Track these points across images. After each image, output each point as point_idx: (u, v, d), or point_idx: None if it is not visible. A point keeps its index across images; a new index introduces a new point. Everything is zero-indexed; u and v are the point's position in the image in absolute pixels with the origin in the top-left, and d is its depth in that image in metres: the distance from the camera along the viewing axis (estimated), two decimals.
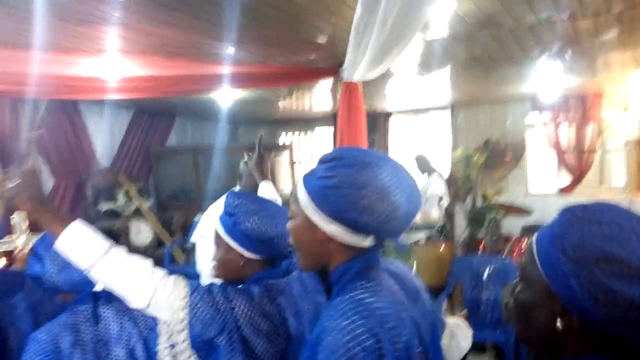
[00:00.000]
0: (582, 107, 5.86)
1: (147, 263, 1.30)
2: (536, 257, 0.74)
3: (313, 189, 1.02)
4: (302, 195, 1.04)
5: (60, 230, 1.22)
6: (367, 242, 1.01)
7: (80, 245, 1.23)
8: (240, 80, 3.55)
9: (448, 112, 6.78)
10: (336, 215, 0.99)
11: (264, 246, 1.38)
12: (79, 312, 1.48)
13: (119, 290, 1.27)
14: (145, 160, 6.98)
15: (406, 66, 4.28)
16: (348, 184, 0.96)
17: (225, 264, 1.44)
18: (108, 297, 1.49)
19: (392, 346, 0.85)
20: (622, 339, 0.67)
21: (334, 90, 5.28)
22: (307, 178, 1.06)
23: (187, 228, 6.29)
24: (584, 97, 5.81)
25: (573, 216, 0.73)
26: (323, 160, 1.04)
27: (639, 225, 0.69)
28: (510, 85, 5.28)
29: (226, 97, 5.61)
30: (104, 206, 6.13)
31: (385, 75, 4.55)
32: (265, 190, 2.20)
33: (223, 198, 2.98)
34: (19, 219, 4.98)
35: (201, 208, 6.65)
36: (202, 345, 1.25)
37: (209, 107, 6.24)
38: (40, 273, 1.51)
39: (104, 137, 6.40)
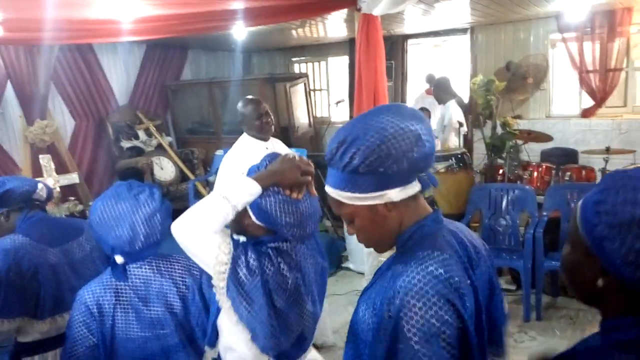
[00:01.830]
0: (609, 23, 5.59)
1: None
2: (578, 221, 0.79)
3: (347, 182, 1.03)
4: (341, 194, 1.05)
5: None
6: (417, 187, 1.05)
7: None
8: (254, 16, 3.45)
9: (467, 35, 6.53)
10: (382, 182, 1.01)
11: (271, 223, 1.41)
12: (118, 273, 1.58)
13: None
14: (162, 95, 6.98)
15: None
16: (368, 150, 0.98)
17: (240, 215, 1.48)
18: (139, 254, 1.59)
19: (463, 309, 0.92)
20: None
21: (349, 18, 5.10)
22: (332, 179, 1.06)
23: (209, 162, 6.41)
24: (613, 12, 5.52)
25: (612, 182, 0.77)
26: (331, 155, 1.04)
27: None
28: (534, 4, 5.03)
29: (239, 27, 5.48)
30: (126, 144, 6.24)
31: None
32: None
33: (242, 142, 2.99)
34: (46, 162, 5.13)
35: (220, 141, 6.74)
36: (236, 297, 1.35)
37: (222, 38, 6.11)
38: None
39: (119, 75, 6.39)
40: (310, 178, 1.44)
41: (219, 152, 6.15)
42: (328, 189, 1.08)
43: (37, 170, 5.09)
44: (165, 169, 6.29)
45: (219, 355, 1.54)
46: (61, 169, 5.41)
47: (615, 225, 0.72)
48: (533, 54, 6.07)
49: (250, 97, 3.05)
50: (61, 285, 2.02)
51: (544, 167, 4.56)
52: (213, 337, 1.52)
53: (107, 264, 1.96)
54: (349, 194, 1.04)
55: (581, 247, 0.79)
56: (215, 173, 6.06)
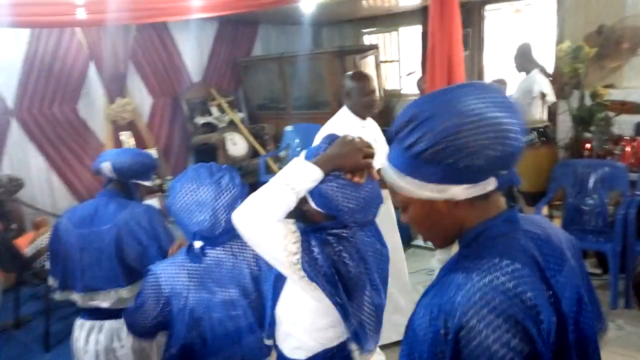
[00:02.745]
0: None
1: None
2: None
3: (406, 166, 0.91)
4: (397, 180, 0.93)
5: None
6: (490, 185, 0.89)
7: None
8: None
9: None
10: (447, 176, 0.87)
11: (332, 209, 1.34)
12: (193, 255, 1.59)
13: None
14: (234, 72, 7.09)
15: None
16: (440, 135, 0.85)
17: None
18: (218, 238, 1.59)
19: (536, 330, 0.79)
20: None
21: None
22: (391, 160, 0.94)
23: (279, 137, 6.47)
24: None
25: None
26: (398, 129, 0.91)
27: None
28: None
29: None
30: (200, 120, 6.43)
31: None
32: None
33: (341, 116, 2.91)
34: (127, 138, 5.39)
35: (290, 117, 6.76)
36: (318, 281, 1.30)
37: (291, 11, 6.05)
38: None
39: (192, 52, 6.54)
40: (372, 161, 1.35)
41: (288, 128, 6.19)
42: (386, 166, 0.96)
43: (119, 147, 5.37)
44: (237, 145, 6.42)
45: (274, 344, 1.52)
46: (141, 145, 5.67)
47: None
48: (631, 16, 5.47)
49: (360, 71, 2.99)
50: (90, 267, 2.07)
51: (638, 141, 4.14)
52: (272, 329, 1.49)
53: (123, 265, 2.03)
54: (407, 179, 0.91)
55: None
56: (286, 148, 6.15)
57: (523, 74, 5.21)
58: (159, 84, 6.20)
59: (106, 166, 2.12)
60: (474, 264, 0.86)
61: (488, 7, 6.81)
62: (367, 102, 2.86)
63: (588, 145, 4.28)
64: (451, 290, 0.84)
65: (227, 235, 1.60)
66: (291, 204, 1.29)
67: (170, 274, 1.58)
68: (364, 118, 2.91)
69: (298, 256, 1.27)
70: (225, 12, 3.78)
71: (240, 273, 1.61)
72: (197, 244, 1.60)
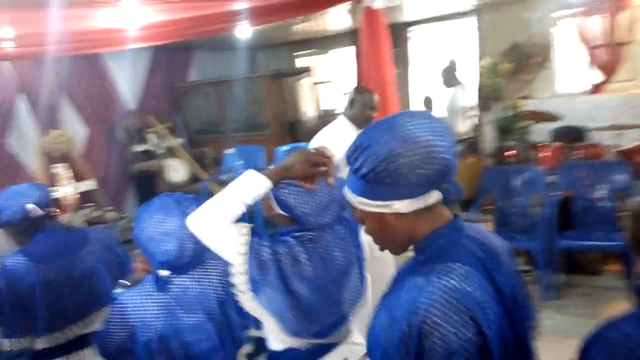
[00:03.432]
0: None
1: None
2: None
3: (357, 186, 1.06)
4: (352, 198, 1.08)
5: None
6: (431, 199, 1.02)
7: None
8: (257, 15, 3.50)
9: (471, 17, 6.49)
10: (390, 193, 1.01)
11: (292, 214, 1.52)
12: (160, 284, 1.64)
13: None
14: (171, 98, 7.07)
15: None
16: (378, 160, 0.99)
17: (263, 205, 1.59)
18: (184, 267, 1.66)
19: (486, 323, 0.92)
20: None
21: (353, 9, 5.12)
22: (347, 182, 1.10)
23: (220, 161, 6.50)
24: None
25: None
26: (348, 155, 1.07)
27: None
28: None
29: (244, 27, 5.53)
30: (138, 148, 6.34)
31: None
32: None
33: (338, 126, 3.02)
34: (62, 170, 5.23)
35: (231, 140, 6.81)
36: (256, 286, 1.43)
37: (226, 38, 6.16)
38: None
39: (127, 80, 6.47)
40: (324, 168, 1.50)
41: (230, 151, 6.24)
42: (344, 189, 1.13)
43: (52, 180, 5.20)
44: (177, 171, 6.38)
45: (257, 348, 1.63)
46: (77, 176, 5.51)
47: None
48: (538, 33, 6.03)
49: (364, 87, 3.16)
50: (60, 302, 2.04)
51: (554, 146, 4.56)
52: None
53: (117, 273, 2.06)
54: (358, 198, 1.06)
55: None
56: (228, 171, 6.18)
57: (450, 89, 5.58)
58: (93, 114, 6.08)
59: (32, 207, 2.02)
60: (431, 269, 0.97)
61: (412, 27, 7.24)
62: (368, 116, 3.02)
63: (510, 153, 4.66)
64: (413, 292, 0.95)
65: (193, 263, 1.66)
66: (239, 210, 1.43)
67: (137, 304, 1.61)
68: (360, 129, 3.07)
69: (244, 257, 1.41)
70: (161, 42, 3.83)
71: (206, 298, 1.65)
72: (164, 273, 1.64)
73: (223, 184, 6.37)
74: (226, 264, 1.49)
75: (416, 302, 0.93)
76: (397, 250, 1.12)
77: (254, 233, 1.46)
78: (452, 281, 0.94)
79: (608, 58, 5.69)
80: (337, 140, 2.69)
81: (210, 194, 5.89)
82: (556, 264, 3.82)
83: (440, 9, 6.26)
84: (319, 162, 1.49)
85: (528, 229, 4.06)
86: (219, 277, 1.69)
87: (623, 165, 4.04)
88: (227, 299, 1.68)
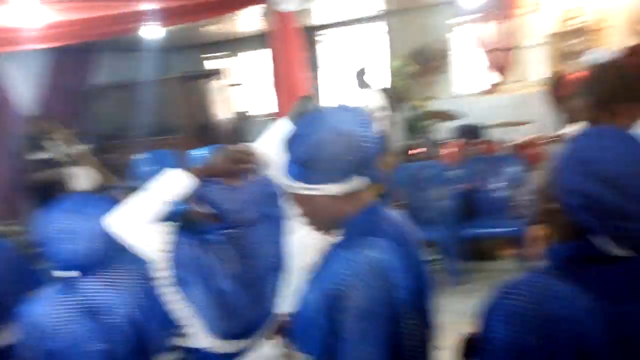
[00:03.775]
0: (503, 5, 6.07)
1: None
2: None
3: (294, 173, 1.18)
4: (289, 185, 1.19)
5: None
6: (357, 183, 1.15)
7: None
8: (164, 16, 3.43)
9: (380, 22, 6.80)
10: (320, 178, 1.13)
11: (217, 212, 1.54)
12: (67, 287, 1.57)
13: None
14: (77, 102, 6.68)
15: None
16: (309, 149, 1.13)
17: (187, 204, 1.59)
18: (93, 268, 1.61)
19: (402, 292, 1.06)
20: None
21: (265, 12, 5.15)
22: (286, 168, 1.20)
23: (129, 168, 6.24)
24: None
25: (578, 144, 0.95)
26: (287, 145, 1.18)
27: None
28: None
29: (151, 28, 5.37)
30: (37, 156, 5.92)
31: None
32: None
33: None
34: None
35: (141, 144, 6.56)
36: (179, 283, 1.45)
37: (133, 39, 5.94)
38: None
39: (25, 84, 6.02)
40: (249, 166, 1.53)
41: (140, 156, 6.01)
42: (281, 174, 1.23)
43: None
44: (83, 179, 6.04)
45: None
46: None
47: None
48: (438, 38, 6.46)
49: None
50: None
51: (455, 143, 4.93)
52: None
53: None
54: (295, 183, 1.18)
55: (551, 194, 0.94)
56: (138, 178, 5.95)
57: (363, 91, 5.78)
58: None
59: None
60: (356, 243, 1.10)
61: (321, 31, 7.42)
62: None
63: (417, 150, 4.96)
64: (338, 263, 1.09)
65: (103, 264, 1.61)
66: (161, 208, 1.44)
67: (42, 312, 1.54)
68: None
69: (167, 255, 1.43)
70: (63, 43, 3.63)
71: (119, 302, 1.59)
72: (71, 274, 1.56)
73: (133, 191, 6.13)
74: (143, 267, 1.48)
75: (341, 271, 1.06)
76: (326, 230, 1.23)
77: (178, 231, 1.47)
78: (373, 252, 1.07)
79: (501, 61, 6.25)
80: None
81: (117, 202, 5.66)
82: (461, 251, 4.12)
83: (348, 14, 6.49)
84: (243, 159, 1.52)
85: (435, 220, 4.34)
86: (134, 281, 1.66)
87: (515, 158, 4.46)
88: (143, 304, 1.64)
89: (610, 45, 4.58)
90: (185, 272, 1.44)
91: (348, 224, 1.18)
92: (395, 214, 1.27)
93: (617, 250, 0.89)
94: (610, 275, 0.91)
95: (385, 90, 6.27)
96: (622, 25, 5.54)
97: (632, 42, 5.26)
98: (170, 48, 7.83)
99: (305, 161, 1.14)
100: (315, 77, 7.39)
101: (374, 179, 1.20)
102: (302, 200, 1.20)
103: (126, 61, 7.41)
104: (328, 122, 1.15)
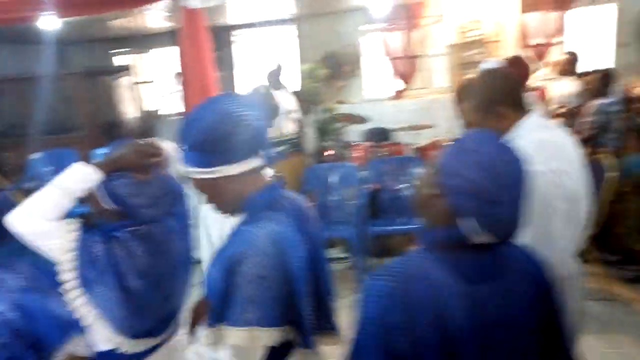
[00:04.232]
0: (407, 16, 6.40)
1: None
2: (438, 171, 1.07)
3: (190, 159, 1.21)
4: (189, 171, 1.22)
5: None
6: (252, 164, 1.21)
7: None
8: (67, 5, 3.24)
9: (291, 25, 6.88)
10: (216, 160, 1.17)
11: (123, 206, 1.48)
12: None
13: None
14: None
15: None
16: (201, 132, 1.17)
17: (91, 204, 1.52)
18: None
19: (295, 260, 1.15)
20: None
21: (174, 9, 5.02)
22: (183, 156, 1.23)
23: (24, 168, 5.78)
24: (409, 6, 6.34)
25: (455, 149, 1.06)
26: (181, 133, 1.22)
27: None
28: None
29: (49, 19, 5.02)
30: None
31: None
32: None
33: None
34: None
35: (38, 143, 6.11)
36: (86, 282, 1.39)
37: (29, 29, 5.52)
38: None
39: None
40: (157, 159, 1.51)
41: (36, 155, 5.60)
42: (180, 164, 1.24)
43: None
44: None
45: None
46: None
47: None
48: (348, 44, 6.67)
49: None
50: None
51: (364, 145, 5.11)
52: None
53: None
54: (193, 169, 1.21)
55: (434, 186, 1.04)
56: (34, 178, 5.53)
57: (276, 92, 5.80)
58: None
59: None
60: (255, 220, 1.18)
61: (237, 32, 7.37)
62: None
63: (328, 152, 5.07)
64: (240, 236, 1.17)
65: None
66: (66, 204, 1.38)
67: None
68: None
69: (72, 254, 1.36)
70: None
71: (10, 288, 1.53)
72: None
73: (28, 192, 5.70)
74: (36, 266, 1.41)
75: (242, 242, 1.14)
76: (230, 211, 1.28)
77: (83, 228, 1.41)
78: (271, 225, 1.16)
79: (406, 68, 6.57)
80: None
81: (12, 204, 5.28)
82: (369, 249, 4.28)
83: (263, 15, 6.50)
84: (152, 152, 1.50)
85: (345, 219, 4.47)
86: (17, 280, 1.57)
87: (420, 160, 4.71)
88: (29, 305, 1.56)
89: (505, 56, 4.96)
90: (91, 271, 1.38)
91: (249, 203, 1.23)
92: (295, 196, 1.35)
93: (481, 235, 0.99)
94: (471, 260, 1.02)
95: (296, 92, 6.37)
96: (514, 38, 6.05)
97: (521, 53, 5.79)
98: (74, 41, 7.38)
99: (199, 145, 1.17)
100: (231, 77, 7.33)
101: (270, 159, 1.26)
102: (203, 185, 1.23)
103: (22, 54, 6.87)
104: (216, 107, 1.19)
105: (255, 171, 1.23)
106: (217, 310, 1.14)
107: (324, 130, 5.09)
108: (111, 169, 1.44)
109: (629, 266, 3.78)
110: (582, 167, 1.57)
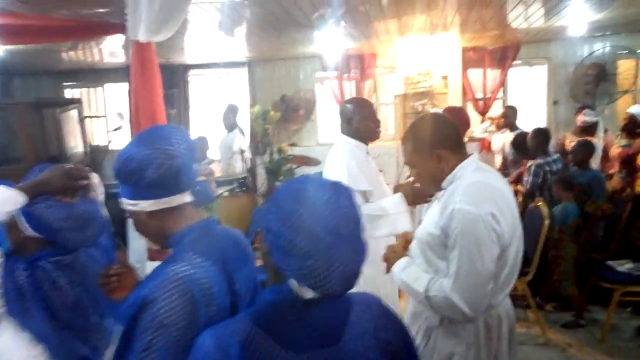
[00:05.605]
0: (360, 66, 6.66)
1: None
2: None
3: (120, 189, 1.19)
4: (121, 199, 1.19)
5: None
6: (178, 201, 1.17)
7: None
8: (11, 33, 3.17)
9: (246, 68, 7.00)
10: (136, 193, 1.15)
11: (47, 231, 1.42)
12: None
13: None
14: None
15: (202, 21, 4.33)
16: (122, 164, 1.15)
17: (10, 233, 1.45)
18: None
19: (205, 305, 1.05)
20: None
21: (126, 44, 5.02)
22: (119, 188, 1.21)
23: None
24: (362, 57, 6.60)
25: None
26: (112, 166, 1.20)
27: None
28: (300, 45, 5.71)
29: None
30: None
31: (182, 28, 4.53)
32: None
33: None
34: None
35: None
36: (16, 314, 1.32)
37: None
38: None
39: None
40: (84, 182, 1.47)
41: None
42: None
43: None
44: None
45: None
46: None
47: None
48: (303, 89, 6.83)
49: (360, 97, 2.64)
50: None
51: None
52: None
53: None
54: (124, 200, 1.19)
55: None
56: None
57: (230, 132, 5.80)
58: None
59: None
60: (175, 260, 1.10)
61: (193, 71, 7.41)
62: (367, 128, 2.67)
63: None
64: (152, 276, 1.10)
65: None
66: None
67: None
68: (366, 144, 2.73)
69: None
70: None
71: None
72: None
73: None
74: None
75: (152, 284, 1.06)
76: (158, 243, 1.24)
77: (6, 257, 1.34)
78: (184, 267, 1.07)
79: None
80: (351, 158, 2.54)
81: None
82: None
83: (218, 57, 6.58)
84: (78, 175, 1.45)
85: None
86: None
87: None
88: None
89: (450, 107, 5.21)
90: (21, 300, 1.32)
91: (175, 240, 1.18)
92: (235, 235, 1.28)
93: (308, 292, 0.93)
94: (298, 322, 0.96)
95: (250, 133, 6.40)
96: (459, 92, 6.38)
97: (465, 106, 6.11)
98: (21, 71, 7.20)
99: (122, 178, 1.15)
100: (186, 115, 7.30)
101: (202, 197, 1.22)
102: (132, 217, 1.20)
103: None
104: (142, 141, 1.16)
105: (183, 208, 1.19)
106: (118, 352, 1.06)
107: (275, 171, 5.11)
108: (36, 193, 1.37)
109: (564, 312, 3.92)
110: (516, 211, 1.60)
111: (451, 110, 3.78)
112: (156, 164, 1.12)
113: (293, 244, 0.90)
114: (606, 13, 4.75)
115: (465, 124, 3.63)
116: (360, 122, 2.65)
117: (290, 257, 0.91)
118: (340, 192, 0.97)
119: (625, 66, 6.24)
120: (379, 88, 6.80)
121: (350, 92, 6.77)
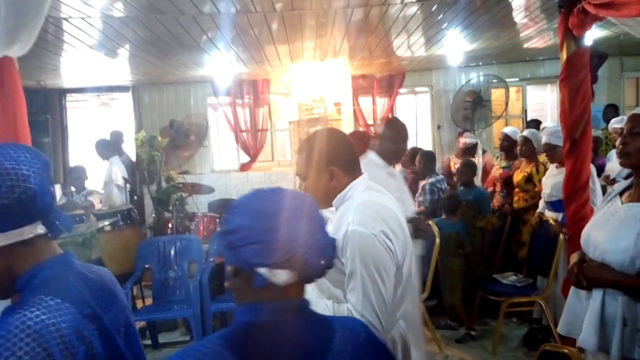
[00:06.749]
0: (254, 92, 6.58)
1: None
2: None
3: None
4: None
5: None
6: (28, 234, 0.98)
7: None
8: None
9: (130, 93, 6.59)
10: None
11: None
12: None
13: None
14: None
15: (79, 42, 3.97)
16: None
17: None
18: None
19: (59, 350, 0.89)
20: None
21: None
22: None
23: None
24: (255, 82, 6.53)
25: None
26: None
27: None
28: (190, 68, 5.49)
29: None
30: None
31: (57, 49, 4.12)
32: None
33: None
34: None
35: None
36: None
37: None
38: None
39: None
40: None
41: None
42: None
43: None
44: None
45: None
46: None
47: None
48: (194, 114, 6.58)
49: (396, 118, 3.29)
50: None
51: (208, 216, 4.89)
52: None
53: None
54: None
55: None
56: None
57: (110, 160, 5.36)
58: None
59: None
60: (23, 302, 0.93)
61: (72, 96, 6.82)
62: (396, 150, 2.85)
63: (170, 224, 4.74)
64: None
65: None
66: None
67: None
68: (391, 164, 2.87)
69: None
70: None
71: None
72: None
73: None
74: None
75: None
76: (1, 292, 1.04)
77: None
78: (36, 313, 0.91)
79: (252, 142, 6.65)
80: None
81: None
82: (210, 328, 3.94)
83: (99, 80, 6.12)
84: None
85: (185, 297, 4.10)
86: None
87: None
88: None
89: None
90: None
91: (22, 281, 0.99)
92: (100, 272, 1.13)
93: (280, 275, 0.90)
94: (273, 348, 0.90)
95: (135, 161, 5.98)
96: (351, 118, 6.55)
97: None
98: None
99: None
100: (64, 141, 6.67)
101: (61, 227, 1.03)
102: None
103: None
104: None
105: (34, 242, 1.00)
106: None
107: (164, 201, 4.77)
108: None
109: (458, 328, 4.05)
110: (406, 230, 1.61)
111: (356, 133, 3.93)
112: (5, 188, 0.93)
113: (256, 224, 0.90)
114: (479, 44, 5.14)
115: (363, 145, 3.71)
116: (389, 144, 2.85)
117: (257, 243, 0.89)
118: (296, 194, 0.99)
119: (497, 93, 6.83)
120: (273, 114, 6.76)
121: (244, 118, 6.64)
